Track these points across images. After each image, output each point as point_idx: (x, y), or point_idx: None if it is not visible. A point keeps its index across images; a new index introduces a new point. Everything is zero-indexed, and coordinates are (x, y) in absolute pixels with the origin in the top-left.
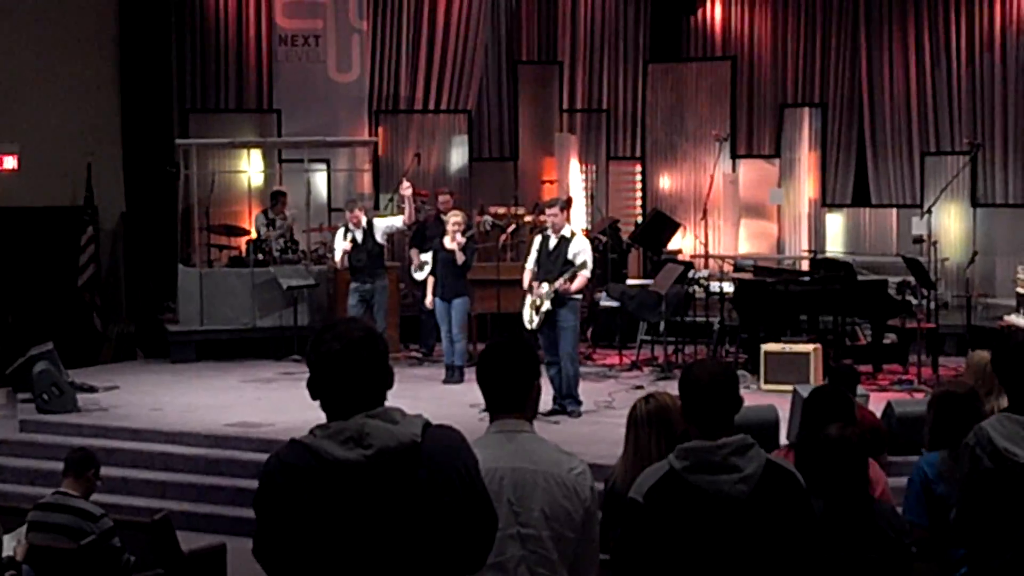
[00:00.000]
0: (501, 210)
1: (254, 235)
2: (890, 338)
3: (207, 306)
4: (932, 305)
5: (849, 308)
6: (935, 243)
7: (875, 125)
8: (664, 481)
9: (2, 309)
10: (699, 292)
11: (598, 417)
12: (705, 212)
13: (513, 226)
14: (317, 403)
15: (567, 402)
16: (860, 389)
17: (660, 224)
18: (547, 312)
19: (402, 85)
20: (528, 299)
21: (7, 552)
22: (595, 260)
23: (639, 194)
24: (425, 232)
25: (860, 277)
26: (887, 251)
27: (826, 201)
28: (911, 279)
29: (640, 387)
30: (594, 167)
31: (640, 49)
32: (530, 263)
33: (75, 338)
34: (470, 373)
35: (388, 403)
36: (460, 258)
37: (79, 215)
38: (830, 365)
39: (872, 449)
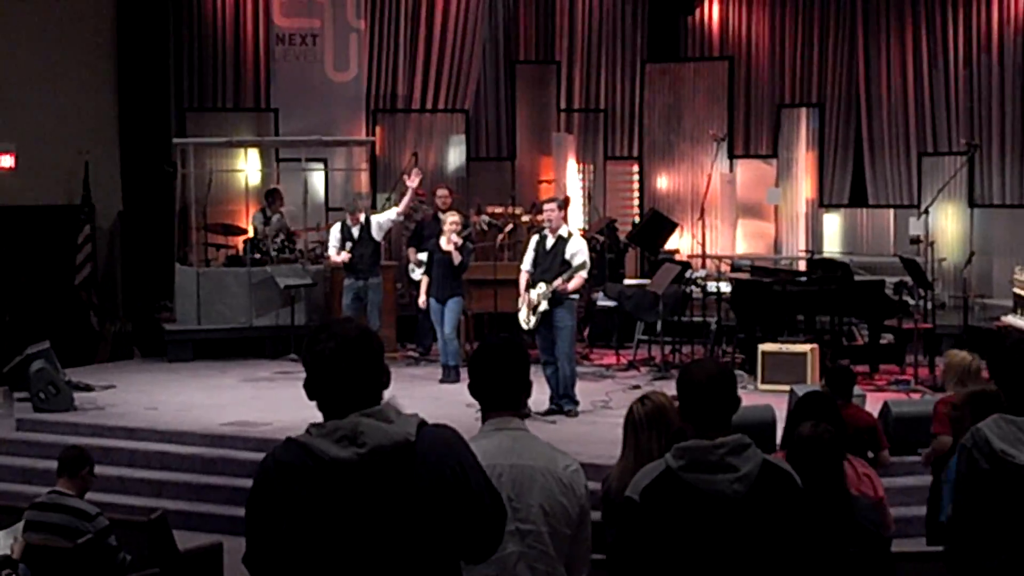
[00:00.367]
0: (498, 210)
1: (251, 234)
2: (887, 338)
3: (204, 305)
4: (929, 305)
5: (846, 308)
6: (932, 243)
7: (872, 125)
8: (660, 480)
9: (0, 308)
10: (696, 292)
11: (595, 417)
12: (702, 212)
13: (510, 226)
14: (313, 403)
15: (564, 402)
16: (857, 389)
17: (657, 224)
18: (544, 312)
19: (400, 84)
20: (524, 299)
21: (3, 551)
22: (592, 260)
23: (636, 194)
24: (422, 232)
25: (857, 277)
26: (884, 251)
27: (823, 201)
28: (908, 279)
29: (637, 387)
30: (591, 167)
31: (637, 49)
32: (527, 263)
33: (72, 337)
34: (465, 372)
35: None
36: (456, 259)
37: (76, 214)
38: (827, 365)
39: (870, 447)
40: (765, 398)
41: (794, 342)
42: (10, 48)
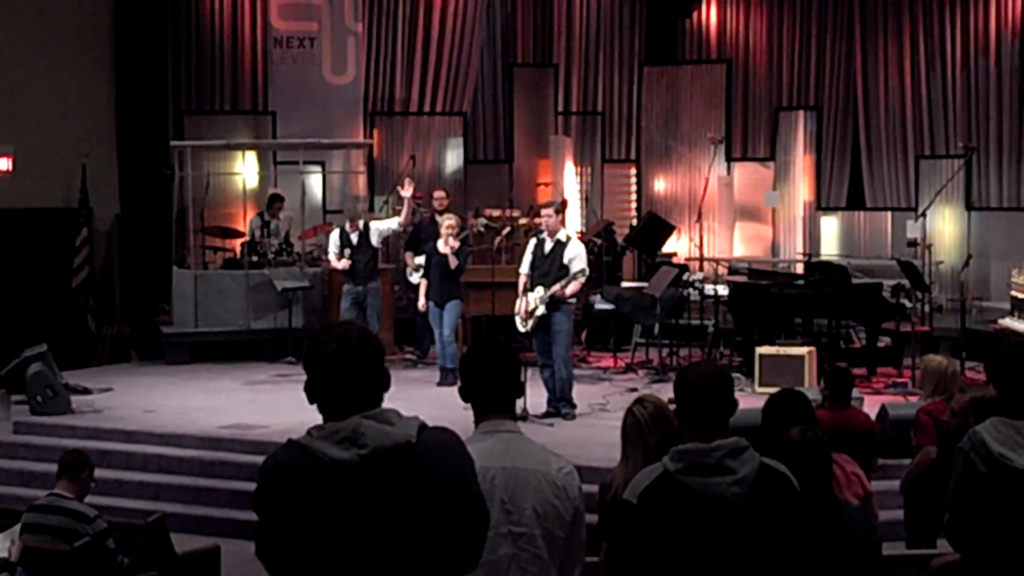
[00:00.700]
0: (496, 212)
1: (248, 237)
2: (884, 341)
3: (201, 308)
4: (926, 308)
5: (843, 311)
6: (929, 246)
7: (870, 128)
8: (658, 483)
9: None
10: (694, 295)
11: (592, 420)
12: (700, 215)
13: (508, 228)
14: (312, 406)
15: (561, 405)
16: (854, 392)
17: (655, 227)
18: (541, 316)
19: (397, 87)
20: (521, 303)
21: (2, 553)
22: (590, 263)
23: (634, 197)
24: (420, 235)
25: (854, 280)
26: (882, 254)
27: (821, 204)
28: (905, 282)
29: (634, 390)
30: (589, 170)
31: (635, 52)
32: (524, 267)
33: (69, 340)
34: None
35: (384, 405)
36: (453, 262)
37: (74, 217)
38: (825, 368)
39: (867, 451)
40: (762, 401)
41: (791, 345)
42: (8, 51)
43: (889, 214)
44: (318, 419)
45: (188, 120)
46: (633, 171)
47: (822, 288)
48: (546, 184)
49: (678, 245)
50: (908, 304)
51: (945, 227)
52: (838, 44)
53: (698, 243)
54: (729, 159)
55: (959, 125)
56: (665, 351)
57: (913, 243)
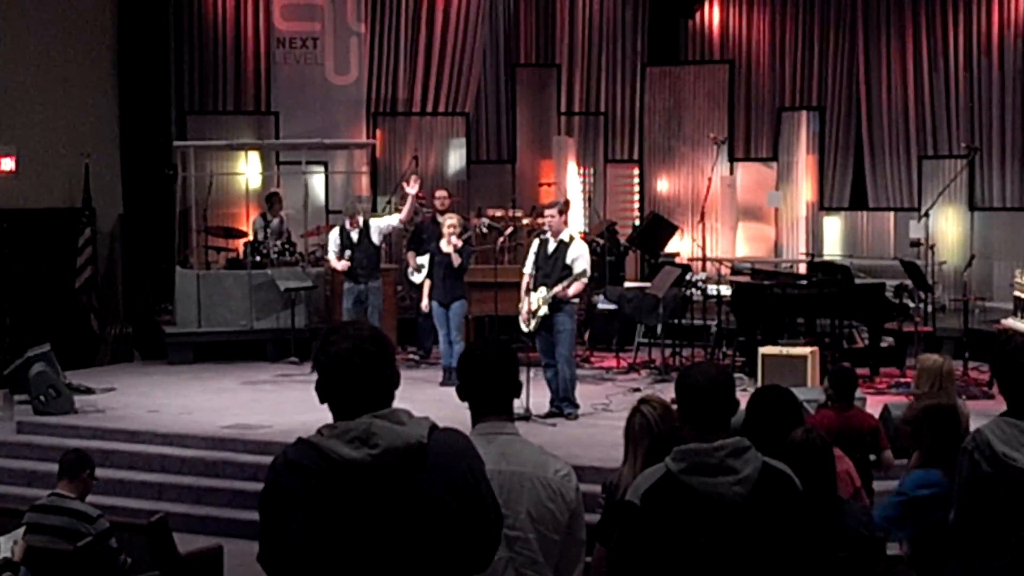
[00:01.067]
0: (499, 213)
1: (252, 237)
2: (887, 341)
3: (204, 308)
4: (929, 308)
5: (846, 311)
6: (932, 246)
7: (873, 128)
8: (661, 483)
9: (0, 311)
10: (696, 295)
11: (595, 420)
12: (703, 215)
13: (511, 229)
14: (314, 405)
15: (564, 405)
16: (857, 392)
17: (657, 227)
18: (544, 316)
19: (400, 87)
20: (525, 303)
21: (4, 553)
22: (592, 263)
23: (637, 197)
24: (422, 234)
25: (857, 280)
26: (884, 254)
27: (824, 204)
28: (908, 282)
29: (637, 390)
30: (592, 170)
31: (638, 52)
32: (528, 267)
33: (72, 340)
34: None
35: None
36: (456, 261)
37: (77, 217)
38: (828, 368)
39: (872, 449)
40: None
41: (794, 345)
42: (11, 51)
43: (892, 214)
44: (319, 419)
45: (191, 120)
46: (636, 171)
47: (825, 288)
48: (549, 184)
49: (681, 245)
50: (911, 304)
51: (948, 227)
52: (841, 44)
53: (701, 243)
54: (732, 159)
55: (962, 125)
56: (668, 351)
57: (916, 243)
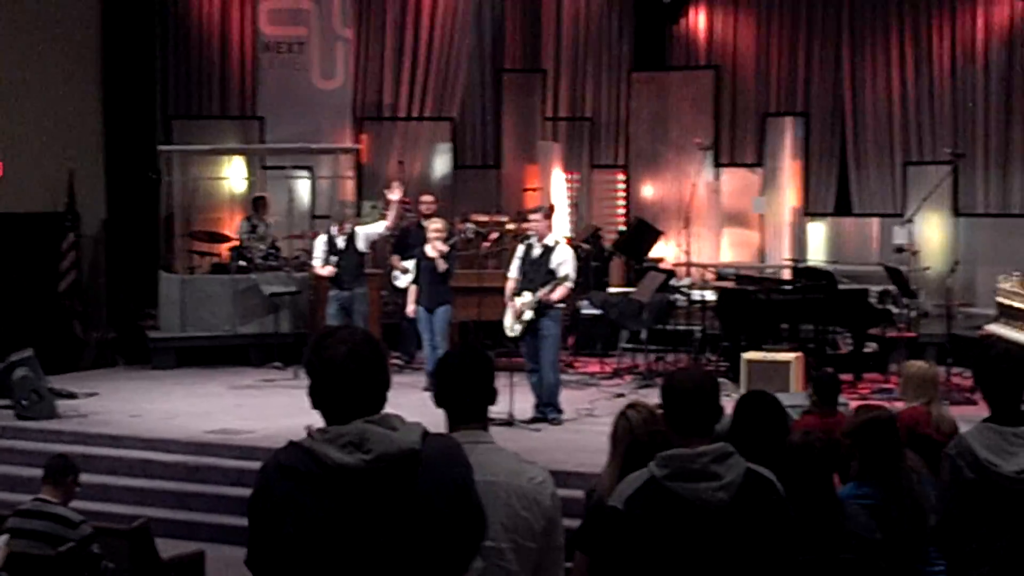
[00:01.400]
0: (484, 218)
1: (237, 242)
2: (871, 347)
3: (188, 313)
4: (913, 314)
5: (830, 317)
6: (916, 252)
7: (857, 134)
8: (644, 489)
9: None
10: (681, 300)
11: (579, 425)
12: (688, 220)
13: (495, 234)
14: (298, 409)
15: (548, 410)
16: (840, 398)
17: (642, 232)
18: (529, 320)
19: (386, 92)
20: (510, 308)
21: None
22: (577, 268)
23: (622, 202)
24: (407, 239)
25: (841, 286)
26: (868, 260)
27: (808, 210)
28: (892, 288)
29: (622, 395)
30: (577, 175)
31: (624, 58)
32: (513, 271)
33: (55, 344)
34: None
35: None
36: (441, 266)
37: (60, 221)
38: (812, 373)
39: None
40: None
41: (778, 351)
42: None
43: (876, 220)
44: (303, 424)
45: (176, 124)
46: (621, 177)
47: (809, 294)
48: (534, 189)
49: (665, 250)
50: (894, 310)
51: (932, 233)
52: (826, 50)
53: (686, 248)
54: (717, 165)
55: (946, 131)
56: (652, 356)
57: (900, 249)
